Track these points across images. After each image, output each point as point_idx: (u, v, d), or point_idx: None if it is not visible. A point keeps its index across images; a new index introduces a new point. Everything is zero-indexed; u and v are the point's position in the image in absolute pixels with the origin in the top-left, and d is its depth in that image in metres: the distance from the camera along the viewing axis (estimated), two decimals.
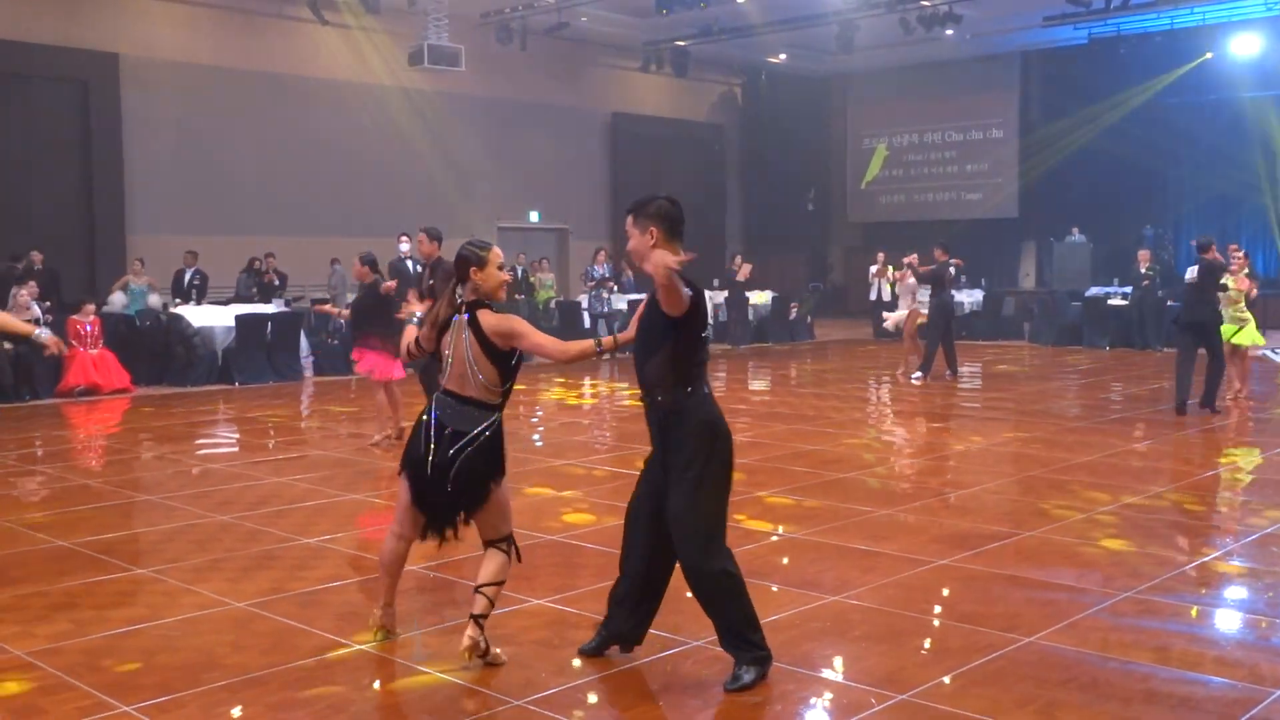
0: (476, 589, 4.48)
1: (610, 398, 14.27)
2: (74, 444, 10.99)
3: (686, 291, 4.09)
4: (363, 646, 4.76)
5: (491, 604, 4.48)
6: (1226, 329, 11.88)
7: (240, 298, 18.36)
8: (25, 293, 13.86)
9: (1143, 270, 18.77)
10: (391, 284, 9.81)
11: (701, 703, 4.21)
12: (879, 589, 5.51)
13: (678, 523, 4.28)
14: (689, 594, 5.31)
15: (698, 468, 4.24)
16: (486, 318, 4.44)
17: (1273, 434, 10.68)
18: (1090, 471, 8.54)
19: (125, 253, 18.36)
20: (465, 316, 4.47)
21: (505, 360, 4.46)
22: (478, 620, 4.43)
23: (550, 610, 5.25)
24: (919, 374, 14.70)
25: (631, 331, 4.34)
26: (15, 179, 17.63)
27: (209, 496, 7.89)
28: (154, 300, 17.06)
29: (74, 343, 13.75)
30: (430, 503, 4.49)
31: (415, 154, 22.25)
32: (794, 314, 22.66)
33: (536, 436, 11.13)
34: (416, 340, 4.68)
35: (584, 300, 19.70)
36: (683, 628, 4.94)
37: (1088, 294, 20.97)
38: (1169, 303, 14.82)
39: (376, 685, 4.41)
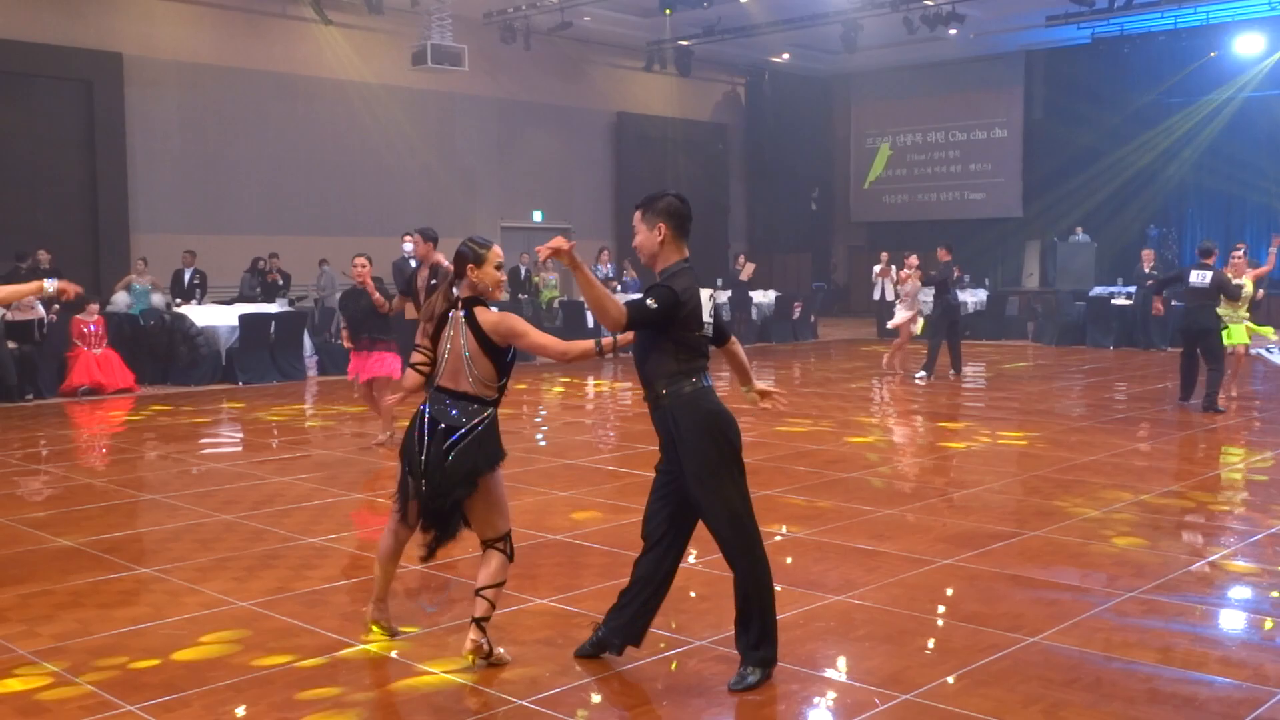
0: (477, 592, 4.49)
1: (613, 397, 14.28)
2: (78, 443, 11.00)
3: (622, 308, 4.10)
4: (366, 646, 4.76)
5: (493, 606, 4.49)
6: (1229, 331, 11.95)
7: (244, 297, 18.38)
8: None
9: (1146, 270, 18.74)
10: (380, 298, 9.43)
11: (705, 702, 4.21)
12: (883, 589, 5.51)
13: (708, 517, 4.29)
14: (692, 594, 5.32)
15: (711, 458, 4.25)
16: (485, 315, 4.45)
17: (1276, 434, 10.67)
18: (1094, 471, 8.53)
19: (129, 252, 18.37)
20: (462, 313, 4.47)
21: (501, 356, 4.47)
22: (479, 623, 4.44)
23: (554, 610, 5.25)
24: (922, 374, 14.70)
25: (631, 333, 4.34)
26: (20, 178, 17.65)
27: (213, 496, 7.89)
28: (157, 299, 17.08)
29: (78, 342, 13.77)
30: (425, 498, 4.48)
31: (418, 154, 22.27)
32: (798, 312, 22.66)
33: (540, 436, 11.14)
34: (419, 348, 4.65)
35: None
36: (686, 628, 4.94)
37: (1091, 294, 20.96)
38: (1173, 302, 14.82)
39: (380, 685, 4.41)
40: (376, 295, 9.45)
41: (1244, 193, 23.59)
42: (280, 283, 19.10)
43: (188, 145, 19.54)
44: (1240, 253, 12.50)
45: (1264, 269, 12.93)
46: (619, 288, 19.70)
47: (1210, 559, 6.16)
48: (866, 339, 22.39)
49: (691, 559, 6.11)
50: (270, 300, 18.18)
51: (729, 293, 21.68)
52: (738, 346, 4.69)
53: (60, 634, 4.95)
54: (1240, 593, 5.71)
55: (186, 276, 17.92)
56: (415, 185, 21.99)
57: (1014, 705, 4.10)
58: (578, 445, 10.31)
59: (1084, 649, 4.67)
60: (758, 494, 7.64)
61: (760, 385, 4.76)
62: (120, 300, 16.58)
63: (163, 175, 19.27)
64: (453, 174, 22.88)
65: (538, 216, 25.07)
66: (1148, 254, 19.35)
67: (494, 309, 4.51)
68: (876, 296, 22.32)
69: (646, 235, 4.31)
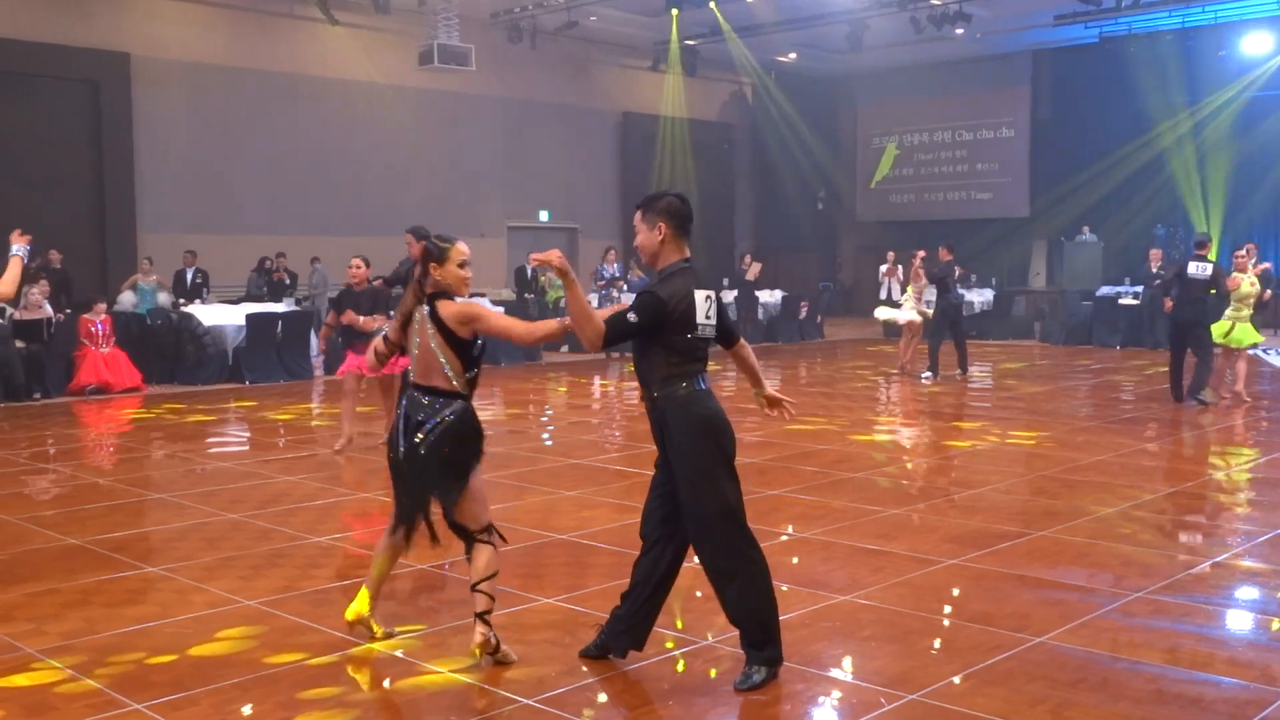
0: (473, 588, 4.50)
1: (620, 396, 14.28)
2: (85, 442, 11.03)
3: (600, 326, 4.14)
4: (372, 645, 4.77)
5: (492, 599, 4.50)
6: (1219, 327, 11.98)
7: (251, 296, 18.42)
8: (37, 291, 13.91)
9: (1154, 269, 18.71)
10: (357, 318, 9.15)
11: (711, 701, 4.21)
12: (889, 589, 5.50)
13: (692, 519, 4.28)
14: (699, 593, 5.32)
15: (700, 462, 4.24)
16: (446, 307, 4.50)
17: None
18: (1101, 471, 8.51)
19: (136, 252, 18.42)
20: (426, 308, 4.53)
21: (467, 348, 4.52)
22: (483, 618, 4.45)
23: (560, 609, 5.25)
24: (928, 374, 14.68)
25: (606, 312, 4.37)
26: (27, 178, 17.69)
27: (219, 495, 7.91)
28: (163, 299, 17.12)
29: (85, 341, 13.80)
30: (404, 491, 4.58)
31: (425, 154, 22.30)
32: (804, 312, 22.65)
33: (546, 435, 11.14)
34: (385, 337, 4.77)
35: (594, 299, 19.70)
36: (692, 627, 4.94)
37: (1099, 293, 20.92)
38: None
39: (386, 684, 4.42)
40: (360, 320, 9.18)
41: (1252, 192, 23.53)
42: (287, 282, 19.14)
43: (195, 145, 19.58)
44: (1242, 251, 12.53)
45: (1265, 265, 13.01)
46: (625, 287, 19.70)
47: (1217, 559, 6.15)
48: (873, 339, 22.37)
49: (698, 559, 6.11)
50: (277, 300, 18.21)
51: (735, 292, 21.68)
52: (746, 349, 4.68)
53: (68, 632, 4.96)
54: (1247, 593, 5.69)
55: (189, 276, 17.95)
56: (422, 185, 22.01)
57: (1020, 705, 4.09)
58: (584, 445, 10.31)
59: (1091, 649, 4.66)
60: (764, 493, 7.67)
61: (771, 392, 4.74)
62: (126, 300, 16.62)
63: (170, 175, 19.31)
64: (459, 174, 22.90)
65: (544, 216, 25.08)
66: (1155, 253, 19.31)
67: (457, 301, 4.56)
68: (883, 296, 22.26)
69: (647, 235, 4.33)
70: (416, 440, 4.47)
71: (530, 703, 4.15)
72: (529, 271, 21.23)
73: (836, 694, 4.32)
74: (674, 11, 22.19)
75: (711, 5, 21.91)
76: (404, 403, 4.57)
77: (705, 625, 4.97)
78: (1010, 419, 11.48)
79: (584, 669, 4.50)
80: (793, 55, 26.72)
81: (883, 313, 16.83)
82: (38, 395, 13.29)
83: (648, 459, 9.07)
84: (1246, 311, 12.09)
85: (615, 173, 26.17)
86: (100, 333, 13.91)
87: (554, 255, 4.12)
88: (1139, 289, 19.78)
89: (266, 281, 19.12)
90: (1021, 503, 7.64)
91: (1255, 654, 4.73)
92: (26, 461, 9.41)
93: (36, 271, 15.37)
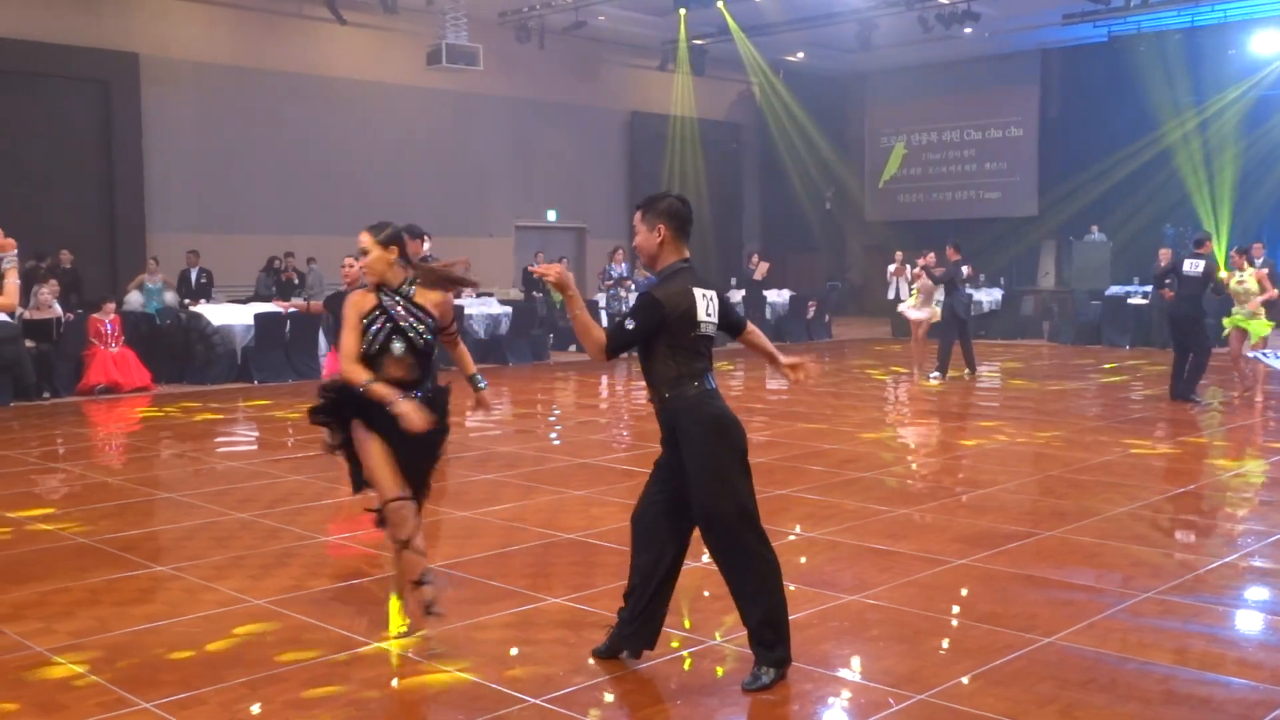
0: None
1: (627, 396, 14.28)
2: (95, 442, 11.06)
3: (602, 336, 4.21)
4: (381, 644, 4.78)
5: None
6: (1229, 320, 12.12)
7: (259, 296, 18.45)
8: (46, 291, 13.96)
9: (1163, 267, 18.63)
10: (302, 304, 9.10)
11: (719, 701, 4.21)
12: (897, 588, 5.50)
13: (706, 519, 4.27)
14: (706, 593, 5.32)
15: (714, 461, 4.24)
16: (431, 295, 4.78)
17: None
18: (1109, 471, 8.49)
19: (145, 251, 18.46)
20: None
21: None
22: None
23: (568, 609, 5.26)
24: (936, 374, 14.65)
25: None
26: (37, 178, 17.74)
27: (228, 494, 7.92)
28: (170, 298, 17.17)
29: (95, 341, 13.84)
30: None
31: (433, 153, 22.31)
32: (812, 312, 22.64)
33: (554, 435, 11.15)
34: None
35: (601, 299, 19.72)
36: (700, 627, 4.94)
37: (1107, 293, 20.87)
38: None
39: (394, 683, 4.42)
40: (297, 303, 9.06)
41: (1260, 190, 23.45)
42: (296, 282, 19.16)
43: (204, 145, 19.62)
44: (1233, 251, 12.75)
45: (1262, 271, 13.03)
46: (632, 286, 19.69)
47: (1227, 559, 6.13)
48: (881, 338, 22.35)
49: (705, 558, 6.11)
50: (286, 299, 18.23)
51: (743, 292, 21.67)
52: (756, 333, 4.70)
53: (77, 631, 4.97)
54: (1257, 594, 5.68)
55: (193, 276, 17.99)
56: (430, 185, 22.03)
57: (1029, 706, 4.08)
58: (592, 445, 10.32)
59: (1100, 649, 4.65)
60: (771, 493, 7.66)
61: (788, 360, 4.74)
62: (134, 300, 16.67)
63: (179, 175, 19.35)
64: (467, 173, 22.91)
65: (552, 215, 25.09)
66: (1165, 253, 19.12)
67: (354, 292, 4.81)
68: (891, 296, 22.25)
69: (646, 236, 4.35)
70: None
71: (537, 702, 4.16)
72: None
73: (845, 694, 4.31)
74: (682, 11, 22.19)
75: (719, 5, 21.90)
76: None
77: (713, 625, 4.97)
78: (1018, 419, 11.46)
79: (591, 668, 4.50)
80: (801, 54, 26.69)
81: (903, 308, 16.82)
82: (47, 395, 13.33)
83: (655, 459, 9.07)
84: (1258, 311, 12.10)
85: (623, 172, 26.16)
86: (109, 332, 13.94)
87: (553, 270, 4.18)
88: (1148, 288, 19.71)
89: (275, 281, 19.15)
90: (1030, 503, 7.63)
91: (1265, 655, 4.71)
92: (37, 460, 9.44)
93: (46, 272, 15.43)
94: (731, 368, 17.25)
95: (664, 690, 4.31)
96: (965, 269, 15.00)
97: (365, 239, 4.71)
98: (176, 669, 4.51)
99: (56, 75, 18.17)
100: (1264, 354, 12.54)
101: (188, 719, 4.01)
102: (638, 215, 4.39)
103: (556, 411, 12.77)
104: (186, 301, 17.25)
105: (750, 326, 4.67)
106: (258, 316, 15.44)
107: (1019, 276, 26.24)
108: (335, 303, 9.39)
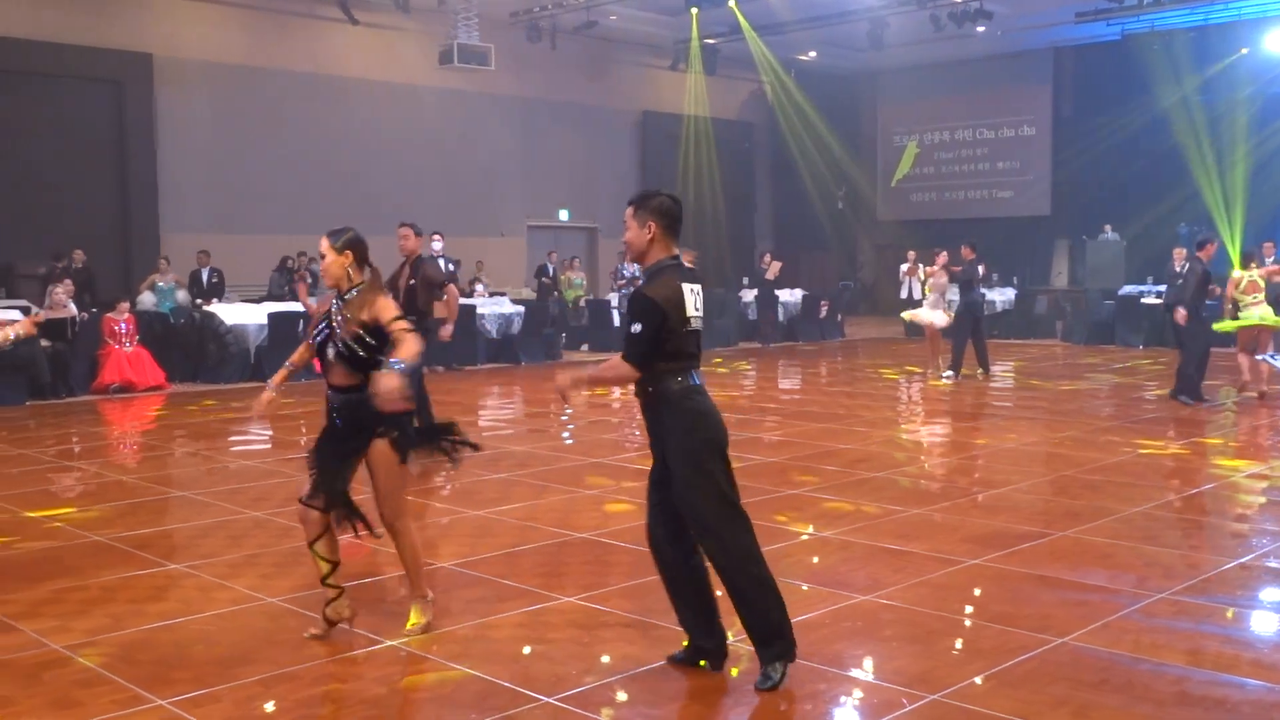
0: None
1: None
2: (109, 440, 11.11)
3: (625, 367, 4.30)
4: (394, 643, 4.79)
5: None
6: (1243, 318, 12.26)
7: (273, 295, 18.50)
8: (61, 290, 14.03)
9: (1178, 269, 18.58)
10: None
11: (732, 700, 4.22)
12: (910, 589, 5.49)
13: (691, 514, 4.29)
14: (719, 592, 5.31)
15: (695, 457, 4.28)
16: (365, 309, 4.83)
17: None
18: (1123, 471, 8.47)
19: (159, 251, 18.54)
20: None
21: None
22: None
23: (580, 608, 5.26)
24: (949, 373, 14.62)
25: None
26: (51, 178, 17.83)
27: (242, 493, 7.95)
28: (181, 297, 17.24)
29: (109, 340, 13.90)
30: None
31: (446, 153, 22.35)
32: (824, 311, 22.62)
33: (566, 435, 11.16)
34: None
35: (613, 299, 19.73)
36: None
37: (1121, 292, 20.79)
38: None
39: (408, 680, 4.43)
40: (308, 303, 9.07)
41: (1273, 189, 23.33)
42: (310, 281, 19.20)
43: (216, 145, 19.69)
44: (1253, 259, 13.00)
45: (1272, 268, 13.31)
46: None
47: (1241, 560, 6.11)
48: (894, 338, 22.31)
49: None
50: (299, 299, 18.28)
51: (755, 291, 21.66)
52: None
53: (93, 629, 5.00)
54: (1272, 595, 5.66)
55: (204, 276, 18.05)
56: (441, 185, 22.06)
57: (1042, 706, 4.08)
58: (605, 444, 10.33)
59: (1113, 650, 4.64)
60: (784, 493, 7.67)
61: None
62: (146, 300, 16.74)
63: (192, 175, 19.42)
64: (479, 173, 22.95)
65: (564, 215, 25.11)
66: (1179, 252, 19.10)
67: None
68: (904, 295, 22.22)
69: (637, 232, 4.41)
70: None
71: (551, 701, 4.16)
72: (550, 270, 21.26)
73: (858, 694, 4.31)
74: (693, 10, 22.18)
75: (731, 4, 21.88)
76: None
77: (726, 624, 4.96)
78: (1032, 418, 11.43)
79: (604, 666, 4.51)
80: (813, 54, 26.66)
81: (909, 314, 16.79)
82: (62, 394, 13.39)
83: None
84: (1259, 303, 12.27)
85: (635, 172, 26.16)
86: (124, 331, 14.00)
87: (567, 392, 4.47)
88: (1161, 288, 19.64)
89: (288, 281, 19.20)
90: (1043, 503, 7.61)
91: None
92: (52, 459, 9.48)
93: (61, 271, 15.50)
94: (748, 367, 17.24)
95: (677, 689, 4.31)
96: (980, 268, 14.98)
97: (323, 244, 4.87)
98: (191, 666, 4.53)
99: (70, 76, 18.25)
100: (1271, 357, 12.62)
101: (202, 716, 4.03)
102: (629, 211, 4.44)
103: (569, 411, 12.77)
104: (199, 301, 17.31)
105: None
106: (271, 316, 15.48)
107: (1032, 276, 26.17)
108: None
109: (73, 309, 14.13)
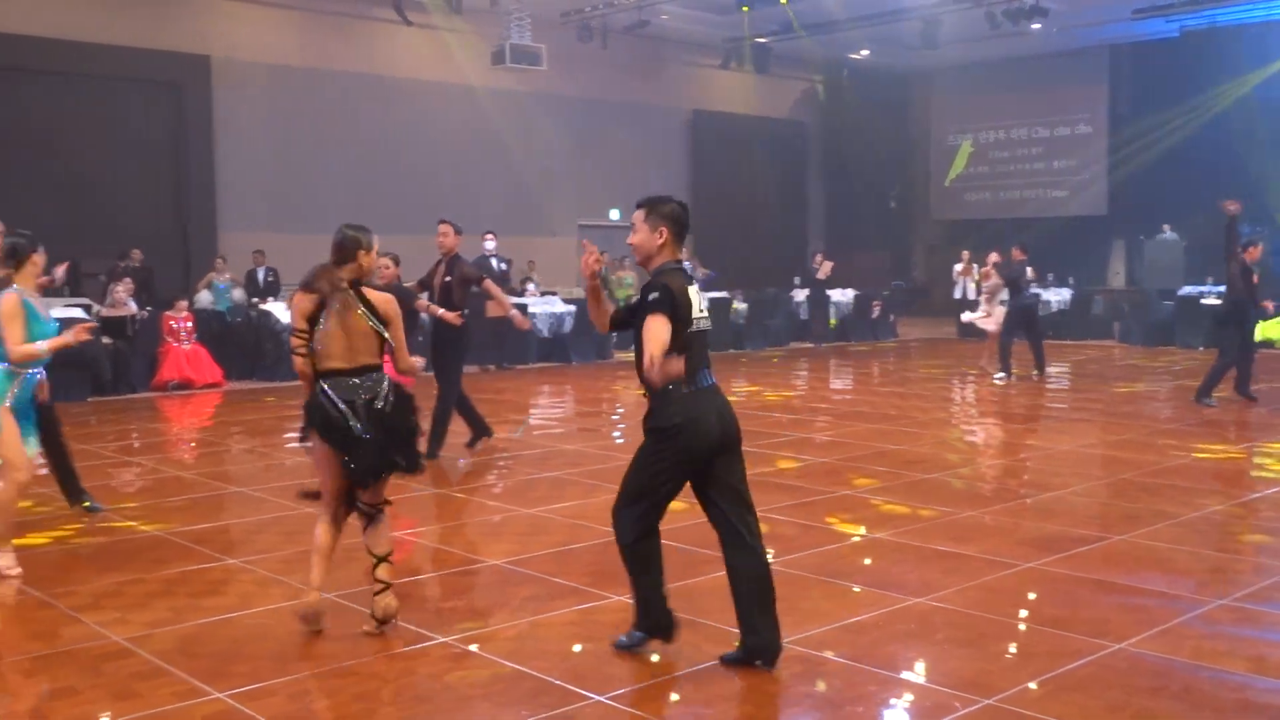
0: (386, 559, 4.90)
1: None
2: (168, 437, 11.29)
3: (650, 345, 4.23)
4: (446, 639, 4.82)
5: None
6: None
7: None
8: (121, 289, 14.29)
9: (1253, 267, 18.24)
10: (425, 302, 9.03)
11: (784, 701, 4.21)
12: (963, 591, 5.44)
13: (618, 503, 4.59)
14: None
15: (648, 457, 4.50)
16: (373, 293, 5.01)
17: None
18: (1182, 475, 8.33)
19: (216, 250, 18.82)
20: (352, 292, 4.94)
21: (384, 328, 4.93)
22: (389, 586, 4.90)
23: (630, 607, 5.24)
24: (1001, 374, 14.47)
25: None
26: (112, 179, 18.14)
27: (297, 489, 8.03)
28: (238, 295, 17.48)
29: (168, 338, 14.14)
30: (374, 457, 4.83)
31: (498, 153, 22.46)
32: (876, 311, 22.48)
33: (618, 434, 11.18)
34: (296, 332, 5.09)
35: None
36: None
37: (1180, 293, 20.45)
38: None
39: (459, 676, 4.46)
40: (422, 300, 9.05)
41: None
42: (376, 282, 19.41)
43: (273, 145, 19.94)
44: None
45: None
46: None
47: None
48: (947, 338, 22.11)
49: (769, 558, 6.08)
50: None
51: (806, 291, 21.56)
52: None
53: (152, 622, 5.08)
54: None
55: (260, 275, 18.28)
56: (494, 184, 22.18)
57: (1098, 713, 4.02)
58: None
59: (1172, 656, 4.57)
60: (836, 494, 7.63)
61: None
62: (204, 298, 17.00)
63: (248, 175, 19.68)
64: (531, 173, 23.03)
65: (615, 215, 25.13)
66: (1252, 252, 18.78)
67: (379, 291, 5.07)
68: (957, 295, 22.03)
69: (648, 236, 4.52)
70: (380, 410, 4.83)
71: (601, 699, 4.17)
72: (602, 270, 21.28)
73: (909, 697, 4.28)
74: (745, 9, 22.13)
75: (783, 2, 21.80)
76: (325, 390, 4.85)
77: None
78: (1088, 420, 11.28)
79: (654, 666, 4.51)
80: (865, 52, 26.48)
81: (968, 317, 16.67)
82: (123, 390, 13.63)
83: None
84: None
85: (685, 171, 26.14)
86: (182, 330, 14.23)
87: (589, 259, 4.57)
88: (1223, 289, 19.28)
89: None
90: (1099, 506, 7.50)
91: None
92: (113, 455, 9.65)
93: (124, 271, 15.78)
94: (801, 368, 17.17)
95: (728, 690, 4.30)
96: (1029, 270, 14.84)
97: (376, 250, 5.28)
98: (247, 660, 4.59)
99: (131, 78, 18.57)
100: None
101: (258, 709, 4.09)
102: (640, 214, 4.54)
103: (620, 409, 12.79)
104: (254, 300, 17.54)
105: None
106: None
107: (1088, 276, 25.81)
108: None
109: (133, 307, 14.39)
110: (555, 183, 23.60)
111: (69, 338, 5.83)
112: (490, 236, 16.45)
